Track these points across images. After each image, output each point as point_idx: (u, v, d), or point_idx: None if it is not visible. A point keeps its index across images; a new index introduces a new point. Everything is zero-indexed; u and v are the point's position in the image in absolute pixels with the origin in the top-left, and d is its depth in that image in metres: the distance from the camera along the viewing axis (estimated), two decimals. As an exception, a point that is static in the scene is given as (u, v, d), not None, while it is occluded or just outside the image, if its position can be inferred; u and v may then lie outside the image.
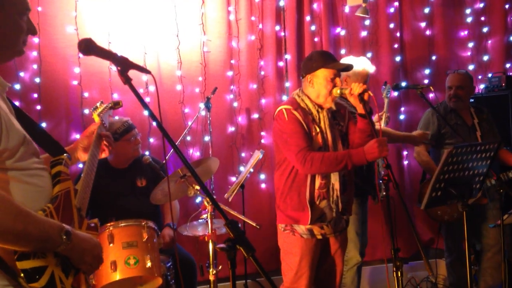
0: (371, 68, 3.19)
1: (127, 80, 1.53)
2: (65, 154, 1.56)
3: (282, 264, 2.74)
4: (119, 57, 1.53)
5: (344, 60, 3.22)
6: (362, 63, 3.16)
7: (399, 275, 2.35)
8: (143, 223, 2.46)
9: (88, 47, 1.51)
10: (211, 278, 2.49)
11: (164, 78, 3.79)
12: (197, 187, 2.59)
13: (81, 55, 3.47)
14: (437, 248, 4.18)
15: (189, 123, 3.66)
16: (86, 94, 3.64)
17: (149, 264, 2.32)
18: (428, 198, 2.56)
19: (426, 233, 4.28)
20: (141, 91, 3.68)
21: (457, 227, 3.48)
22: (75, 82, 3.62)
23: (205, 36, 3.85)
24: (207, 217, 2.62)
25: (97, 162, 1.82)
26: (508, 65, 4.45)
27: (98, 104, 2.26)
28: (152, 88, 3.72)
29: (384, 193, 3.10)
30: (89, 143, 1.85)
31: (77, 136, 3.63)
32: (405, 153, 4.31)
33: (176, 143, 3.34)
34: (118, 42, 3.63)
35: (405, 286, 3.96)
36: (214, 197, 2.90)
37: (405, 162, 4.31)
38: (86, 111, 3.63)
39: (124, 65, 1.53)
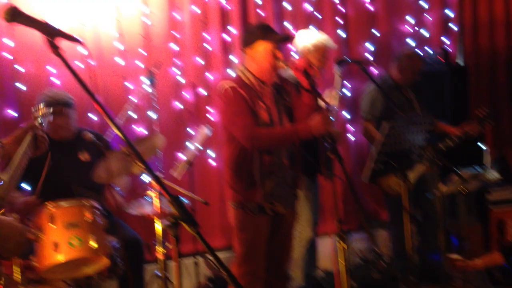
0: (331, 45, 3.23)
1: (55, 50, 1.44)
2: None
3: (234, 241, 2.75)
4: (47, 25, 1.44)
5: (309, 34, 3.24)
6: (322, 38, 3.20)
7: (344, 246, 2.40)
8: (86, 203, 2.37)
9: (11, 14, 1.41)
10: (160, 256, 2.46)
11: (105, 51, 3.63)
12: (142, 165, 2.51)
13: (16, 26, 3.26)
14: (382, 220, 4.34)
15: (133, 98, 3.54)
16: (19, 68, 3.43)
17: (93, 244, 2.24)
18: (371, 171, 2.64)
19: (371, 205, 4.42)
20: (82, 66, 3.51)
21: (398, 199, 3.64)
22: (7, 55, 3.40)
23: (146, 8, 3.70)
24: (154, 195, 2.56)
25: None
26: (445, 40, 4.60)
27: (41, 106, 2.25)
28: (91, 62, 3.55)
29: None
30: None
31: (10, 111, 3.43)
32: (350, 127, 4.39)
33: (120, 120, 3.22)
34: (54, 14, 3.43)
35: (350, 257, 4.09)
36: (161, 174, 2.85)
37: (351, 137, 4.40)
38: (20, 85, 3.43)
39: (52, 34, 1.44)
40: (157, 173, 2.60)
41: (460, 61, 4.62)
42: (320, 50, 3.19)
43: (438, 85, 4.19)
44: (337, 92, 3.47)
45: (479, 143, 4.22)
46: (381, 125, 3.64)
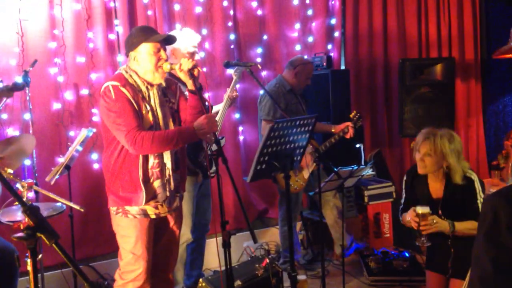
0: (193, 40, 3.21)
1: None
2: None
3: (119, 248, 2.65)
4: None
5: (186, 37, 3.20)
6: (186, 37, 3.17)
7: (227, 247, 2.42)
8: None
9: None
10: (29, 268, 2.28)
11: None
12: (10, 171, 2.34)
13: None
14: (274, 218, 4.48)
15: (5, 99, 3.26)
16: None
17: None
18: (253, 171, 2.68)
19: (260, 204, 4.54)
20: None
21: (295, 198, 3.81)
22: None
23: (21, 2, 3.44)
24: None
25: None
26: (329, 46, 4.87)
27: None
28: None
29: (215, 168, 3.20)
30: None
31: None
32: (240, 128, 4.47)
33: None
34: None
35: (240, 256, 4.17)
36: (31, 180, 2.66)
37: (241, 138, 4.47)
38: None
39: None
40: (25, 180, 2.42)
41: (342, 66, 4.92)
42: (193, 55, 3.20)
43: (322, 88, 4.43)
44: (232, 90, 3.48)
45: (357, 144, 4.52)
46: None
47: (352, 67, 4.90)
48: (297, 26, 4.70)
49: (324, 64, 4.48)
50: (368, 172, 4.44)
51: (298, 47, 4.67)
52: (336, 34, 4.89)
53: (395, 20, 5.09)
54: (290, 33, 4.70)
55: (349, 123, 3.89)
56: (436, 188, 2.75)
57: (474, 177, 2.68)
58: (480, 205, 2.61)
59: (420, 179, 2.81)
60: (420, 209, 2.56)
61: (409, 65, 4.60)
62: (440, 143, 2.63)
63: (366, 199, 4.34)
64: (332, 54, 4.77)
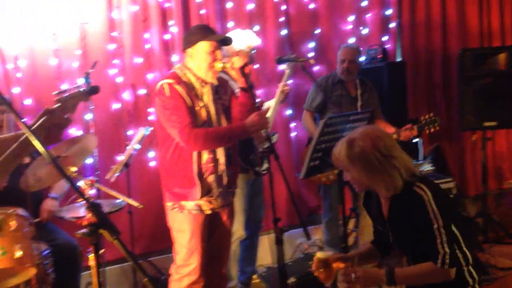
0: (252, 43, 3.19)
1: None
2: None
3: (174, 243, 2.72)
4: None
5: (230, 34, 3.20)
6: (244, 39, 3.16)
7: (280, 243, 2.43)
8: (11, 211, 2.28)
9: None
10: (91, 263, 2.39)
11: (37, 51, 3.49)
12: (73, 169, 2.45)
13: None
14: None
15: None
16: None
17: (18, 254, 2.17)
18: (307, 167, 2.67)
19: (312, 201, 4.49)
20: (11, 66, 3.38)
21: (334, 189, 3.73)
22: None
23: (82, 6, 3.59)
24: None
25: None
26: (384, 38, 4.73)
27: None
28: (22, 62, 3.41)
29: (267, 166, 3.21)
30: None
31: None
32: (292, 125, 4.44)
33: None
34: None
35: (294, 253, 4.16)
36: (95, 178, 2.78)
37: (293, 134, 4.45)
38: None
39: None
40: (87, 178, 2.53)
41: (398, 58, 4.76)
42: (242, 53, 3.15)
43: (378, 82, 4.31)
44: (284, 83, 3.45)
45: (415, 139, 4.37)
46: (320, 118, 3.76)
47: (409, 59, 4.74)
48: (351, 18, 4.59)
49: (379, 56, 4.35)
50: (427, 167, 4.28)
51: (351, 40, 4.57)
52: (392, 25, 4.74)
53: (454, 8, 4.87)
54: (344, 26, 4.61)
55: (409, 126, 3.53)
56: (385, 206, 1.99)
57: (426, 194, 1.79)
58: (438, 234, 1.74)
59: (374, 194, 2.05)
60: (320, 254, 1.88)
61: (470, 54, 4.38)
62: (337, 153, 1.91)
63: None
64: (387, 46, 4.64)
